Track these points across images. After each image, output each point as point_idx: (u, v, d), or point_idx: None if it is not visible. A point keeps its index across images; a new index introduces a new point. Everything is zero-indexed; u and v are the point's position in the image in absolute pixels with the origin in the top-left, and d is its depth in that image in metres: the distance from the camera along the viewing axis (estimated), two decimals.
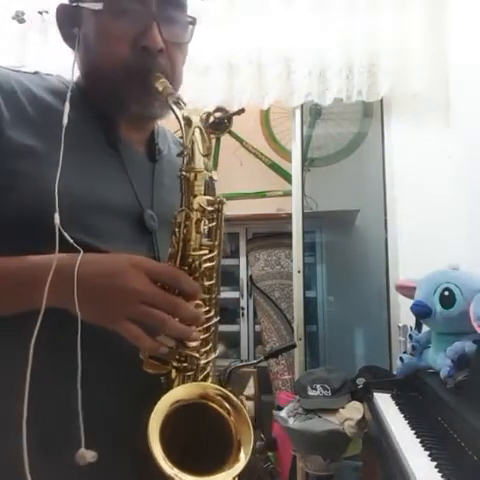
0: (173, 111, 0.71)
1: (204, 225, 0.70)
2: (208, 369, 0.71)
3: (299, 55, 2.24)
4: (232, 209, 2.72)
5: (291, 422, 1.88)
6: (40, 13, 2.38)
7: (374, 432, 1.45)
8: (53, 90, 0.77)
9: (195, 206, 0.69)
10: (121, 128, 0.81)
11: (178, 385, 0.67)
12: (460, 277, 1.51)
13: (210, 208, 0.72)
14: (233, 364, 1.23)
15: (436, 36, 2.15)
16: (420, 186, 2.18)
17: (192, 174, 0.69)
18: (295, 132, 2.42)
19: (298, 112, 2.40)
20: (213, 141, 0.77)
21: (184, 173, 0.69)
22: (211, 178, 0.72)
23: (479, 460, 0.99)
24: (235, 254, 2.94)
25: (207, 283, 0.71)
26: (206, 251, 0.71)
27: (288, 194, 2.55)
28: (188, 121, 0.70)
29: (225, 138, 2.78)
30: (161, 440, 0.59)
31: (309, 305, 2.60)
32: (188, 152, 0.69)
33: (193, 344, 0.66)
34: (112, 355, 0.70)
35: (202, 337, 0.69)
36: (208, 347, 0.71)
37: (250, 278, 2.92)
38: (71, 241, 0.65)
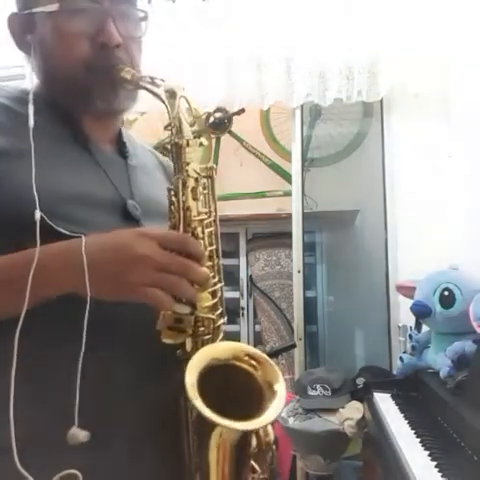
0: (149, 90, 0.73)
1: (199, 192, 0.72)
2: (221, 334, 0.73)
3: (299, 55, 2.24)
4: (232, 209, 2.74)
5: (291, 422, 1.88)
6: None
7: (374, 432, 1.45)
8: (13, 98, 0.78)
9: (190, 173, 0.71)
10: (87, 128, 0.81)
11: (197, 350, 0.68)
12: (460, 277, 1.51)
13: (203, 174, 0.73)
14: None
15: (436, 36, 2.15)
16: (420, 186, 2.18)
17: (184, 141, 0.71)
18: (295, 132, 2.42)
19: (298, 112, 2.40)
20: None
21: (176, 140, 0.71)
22: (201, 144, 0.74)
23: (479, 460, 0.99)
24: (235, 254, 2.94)
25: (209, 248, 0.73)
26: (205, 216, 0.72)
27: (288, 194, 2.55)
28: (172, 93, 0.72)
29: (225, 138, 2.78)
30: (201, 394, 0.61)
31: (309, 305, 2.60)
32: (175, 122, 0.71)
33: (206, 304, 0.69)
34: (124, 337, 0.71)
35: (211, 302, 0.71)
36: (219, 311, 0.73)
37: (250, 278, 2.92)
38: (65, 231, 0.66)
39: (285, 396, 0.65)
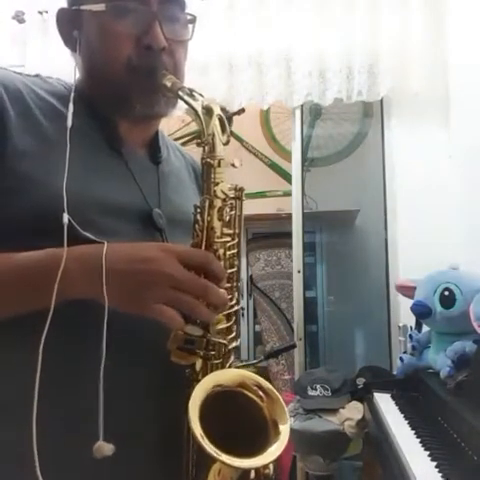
0: (188, 103, 0.71)
1: (226, 213, 0.71)
2: (232, 358, 0.72)
3: (299, 55, 2.24)
4: None
5: (291, 422, 1.88)
6: (40, 13, 2.38)
7: (374, 432, 1.45)
8: (55, 93, 0.78)
9: (218, 194, 0.70)
10: (123, 130, 0.81)
11: (205, 375, 0.67)
12: (460, 277, 1.51)
13: (231, 195, 0.72)
14: (233, 364, 1.23)
15: (436, 36, 2.15)
16: (420, 186, 2.18)
17: (216, 161, 0.70)
18: (295, 132, 2.42)
19: (298, 112, 2.40)
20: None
21: (208, 159, 0.70)
22: (233, 165, 0.73)
23: (479, 460, 0.99)
24: None
25: (229, 271, 0.72)
26: (229, 238, 0.71)
27: (288, 194, 2.56)
28: (208, 110, 0.71)
29: None
30: (202, 425, 0.59)
31: (309, 305, 2.60)
32: (209, 141, 0.70)
33: (220, 327, 0.68)
34: (135, 351, 0.70)
35: (225, 326, 0.70)
36: (232, 335, 0.72)
37: (250, 278, 2.92)
38: (89, 235, 0.66)
39: (287, 439, 0.64)
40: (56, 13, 0.81)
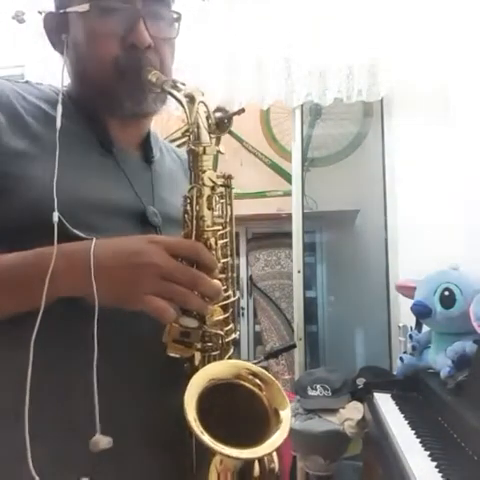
0: (172, 95, 0.71)
1: (215, 201, 0.69)
2: (231, 350, 0.71)
3: (299, 55, 2.24)
4: None
5: (291, 422, 1.88)
6: (40, 13, 2.38)
7: (374, 432, 1.45)
8: (45, 98, 0.78)
9: (206, 182, 0.68)
10: (114, 131, 0.81)
11: (204, 366, 0.66)
12: (460, 277, 1.51)
13: (220, 182, 0.71)
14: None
15: (436, 35, 2.15)
16: (420, 186, 2.18)
17: (201, 148, 0.69)
18: (295, 132, 2.42)
19: (298, 112, 2.40)
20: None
21: (192, 147, 0.69)
22: (219, 151, 0.72)
23: (479, 460, 0.99)
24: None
25: (223, 261, 0.71)
26: (220, 227, 0.70)
27: (288, 194, 2.56)
28: (191, 98, 0.70)
29: (225, 138, 2.78)
30: (198, 415, 0.58)
31: (309, 305, 2.60)
32: (194, 128, 0.69)
33: (216, 318, 0.66)
34: (134, 347, 0.70)
35: (222, 317, 0.69)
36: (229, 327, 0.70)
37: (250, 278, 2.92)
38: (80, 234, 0.66)
39: (289, 425, 0.62)
40: (43, 18, 0.82)
